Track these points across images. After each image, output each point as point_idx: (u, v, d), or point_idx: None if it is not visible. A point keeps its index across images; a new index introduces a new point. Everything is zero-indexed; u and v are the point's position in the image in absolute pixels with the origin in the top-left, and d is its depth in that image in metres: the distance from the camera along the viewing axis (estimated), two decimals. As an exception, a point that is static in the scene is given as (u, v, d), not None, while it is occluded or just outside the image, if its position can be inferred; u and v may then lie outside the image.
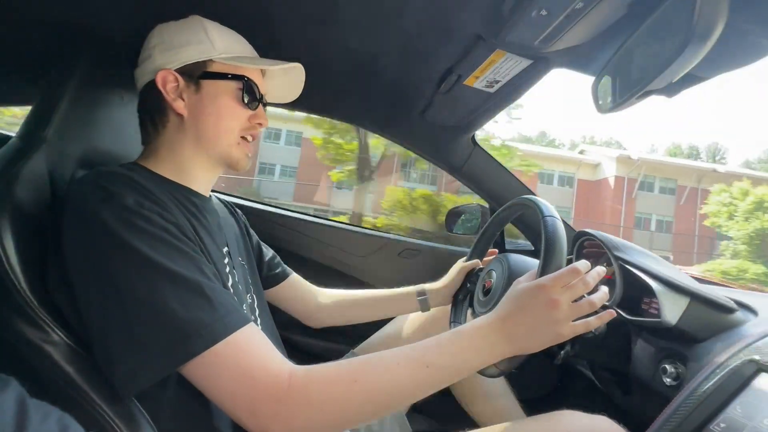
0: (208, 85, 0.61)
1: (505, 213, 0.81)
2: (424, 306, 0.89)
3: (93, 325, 0.48)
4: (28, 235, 0.52)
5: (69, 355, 0.49)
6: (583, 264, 0.53)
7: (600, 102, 0.63)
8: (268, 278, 0.89)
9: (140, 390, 0.46)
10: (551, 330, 0.50)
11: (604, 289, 0.54)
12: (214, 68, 0.62)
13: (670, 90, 0.51)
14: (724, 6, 0.41)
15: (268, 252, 0.90)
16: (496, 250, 0.93)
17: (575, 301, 0.51)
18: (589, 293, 0.53)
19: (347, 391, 0.47)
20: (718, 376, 0.53)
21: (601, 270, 0.54)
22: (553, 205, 0.64)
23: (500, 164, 1.21)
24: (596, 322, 0.52)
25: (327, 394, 0.47)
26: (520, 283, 0.55)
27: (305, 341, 1.24)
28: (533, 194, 1.12)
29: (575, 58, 0.71)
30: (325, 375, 0.48)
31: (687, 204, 17.26)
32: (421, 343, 0.51)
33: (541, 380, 1.28)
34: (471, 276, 0.88)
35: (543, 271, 0.55)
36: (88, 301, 0.48)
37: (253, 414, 0.46)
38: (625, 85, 0.57)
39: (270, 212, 1.29)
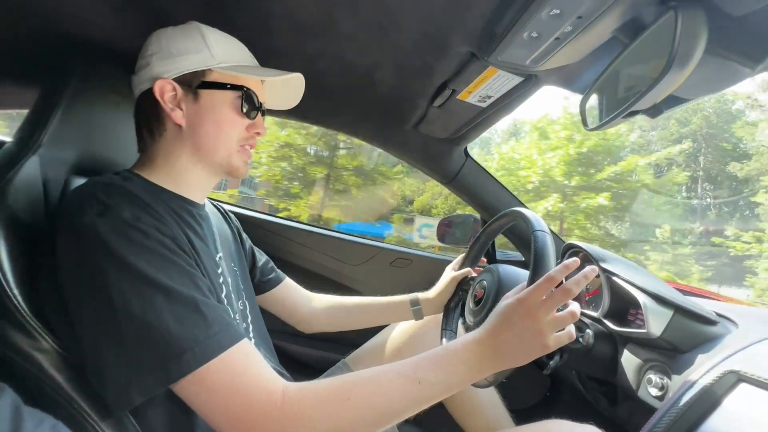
0: (206, 95, 0.61)
1: (498, 223, 0.83)
2: (418, 315, 0.91)
3: (85, 339, 0.47)
4: (20, 241, 0.52)
5: (59, 364, 0.49)
6: (560, 270, 0.51)
7: (588, 119, 0.65)
8: (262, 283, 0.88)
9: (132, 406, 0.45)
10: (536, 342, 0.51)
11: (575, 304, 0.53)
12: (213, 78, 0.61)
13: (654, 111, 0.53)
14: (702, 34, 0.44)
15: (262, 257, 0.90)
16: (485, 260, 0.94)
17: (559, 311, 0.51)
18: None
19: (340, 408, 0.47)
20: (700, 387, 0.55)
21: (589, 272, 0.52)
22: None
23: (492, 176, 1.23)
24: (574, 332, 0.53)
25: (320, 411, 0.47)
26: (507, 298, 0.56)
27: (297, 349, 1.23)
28: (525, 206, 1.14)
29: (564, 77, 0.74)
30: (317, 393, 0.48)
31: None
32: (413, 360, 0.52)
33: (530, 390, 1.29)
34: (463, 284, 0.89)
35: (530, 285, 0.55)
36: (81, 314, 0.47)
37: None
38: (611, 104, 0.60)
39: (263, 219, 1.29)
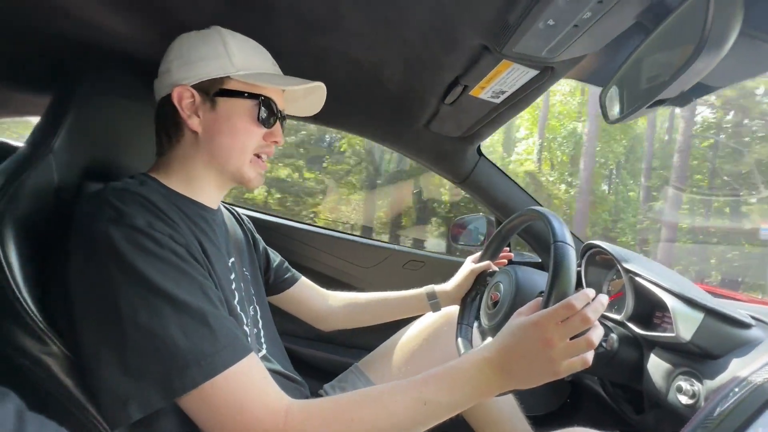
0: (224, 102, 0.60)
1: (520, 219, 0.79)
2: (435, 308, 0.90)
3: (87, 346, 0.46)
4: (31, 245, 0.52)
5: (69, 368, 0.49)
6: (580, 297, 0.49)
7: (608, 112, 0.62)
8: (278, 284, 0.89)
9: (129, 422, 0.44)
10: (547, 369, 0.48)
11: (600, 328, 0.50)
12: (231, 86, 0.60)
13: (683, 99, 0.50)
14: (738, 14, 0.41)
15: (276, 258, 0.90)
16: (512, 255, 0.92)
17: (574, 337, 0.48)
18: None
19: (343, 429, 0.46)
20: (738, 396, 0.51)
21: (604, 299, 0.50)
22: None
23: (506, 175, 1.20)
24: (590, 360, 0.49)
25: None
26: (521, 315, 0.53)
27: (309, 353, 1.22)
28: (542, 206, 1.11)
29: (582, 69, 0.71)
30: (322, 412, 0.47)
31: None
32: (419, 378, 0.50)
33: (550, 396, 1.25)
34: (481, 278, 0.87)
35: (546, 303, 0.52)
36: (86, 321, 0.47)
37: None
38: (633, 95, 0.56)
39: (275, 222, 1.29)
